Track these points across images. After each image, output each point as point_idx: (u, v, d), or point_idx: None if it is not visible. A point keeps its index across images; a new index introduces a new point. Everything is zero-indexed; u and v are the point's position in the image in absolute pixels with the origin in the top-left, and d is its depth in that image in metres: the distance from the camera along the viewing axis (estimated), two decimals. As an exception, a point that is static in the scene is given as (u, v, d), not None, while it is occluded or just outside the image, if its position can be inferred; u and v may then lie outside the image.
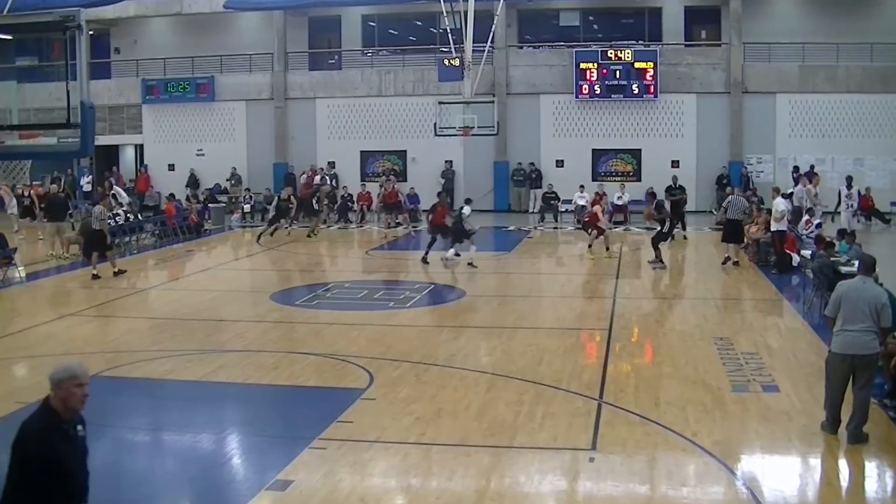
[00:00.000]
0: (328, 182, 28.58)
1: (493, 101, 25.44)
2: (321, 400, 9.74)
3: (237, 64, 32.10)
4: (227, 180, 31.32)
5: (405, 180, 29.98)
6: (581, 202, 26.25)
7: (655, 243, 18.61)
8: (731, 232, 18.92)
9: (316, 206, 25.13)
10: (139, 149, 33.98)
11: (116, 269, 18.16)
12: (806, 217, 20.42)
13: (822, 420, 8.33)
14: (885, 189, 27.44)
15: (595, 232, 20.22)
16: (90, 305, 15.39)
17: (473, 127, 23.71)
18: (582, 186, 26.93)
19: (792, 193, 23.04)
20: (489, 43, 25.56)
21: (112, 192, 25.75)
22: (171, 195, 27.13)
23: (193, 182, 31.52)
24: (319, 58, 33.13)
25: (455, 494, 7.15)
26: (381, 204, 25.60)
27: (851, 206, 22.98)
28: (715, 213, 26.61)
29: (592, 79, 29.26)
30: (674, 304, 15.24)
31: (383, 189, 25.81)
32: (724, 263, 18.62)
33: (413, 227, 25.22)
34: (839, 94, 28.26)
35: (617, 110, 29.54)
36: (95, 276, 17.71)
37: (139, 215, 25.71)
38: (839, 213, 23.79)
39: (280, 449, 8.18)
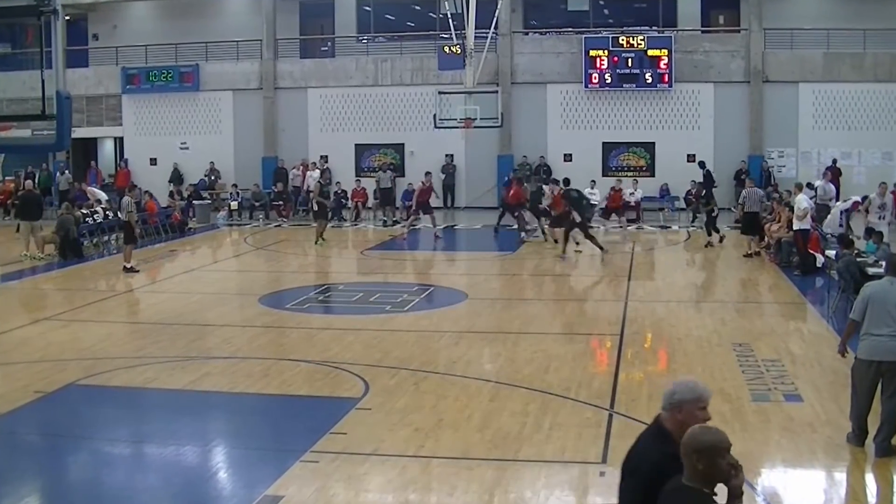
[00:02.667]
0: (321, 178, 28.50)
1: (496, 91, 25.43)
2: (313, 410, 9.74)
3: (223, 51, 32.11)
4: (206, 176, 31.31)
5: (403, 175, 30.00)
6: (592, 200, 26.21)
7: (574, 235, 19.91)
8: (750, 224, 19.91)
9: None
10: (119, 142, 33.99)
11: (130, 265, 18.54)
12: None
13: (847, 431, 8.33)
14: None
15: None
16: (67, 309, 15.39)
17: (476, 119, 23.70)
18: (593, 182, 26.93)
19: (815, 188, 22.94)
20: (492, 29, 25.57)
21: (87, 189, 25.91)
22: (148, 193, 27.14)
23: (177, 177, 31.50)
24: (311, 45, 33.13)
25: (456, 511, 7.16)
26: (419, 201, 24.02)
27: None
28: (734, 210, 26.62)
29: (603, 67, 29.25)
30: (690, 307, 15.25)
31: (423, 184, 24.24)
32: (746, 256, 19.59)
33: (411, 226, 25.14)
34: (866, 83, 28.23)
35: (629, 101, 29.53)
36: (131, 269, 18.47)
37: (118, 213, 25.65)
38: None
39: (269, 462, 8.18)
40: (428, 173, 25.08)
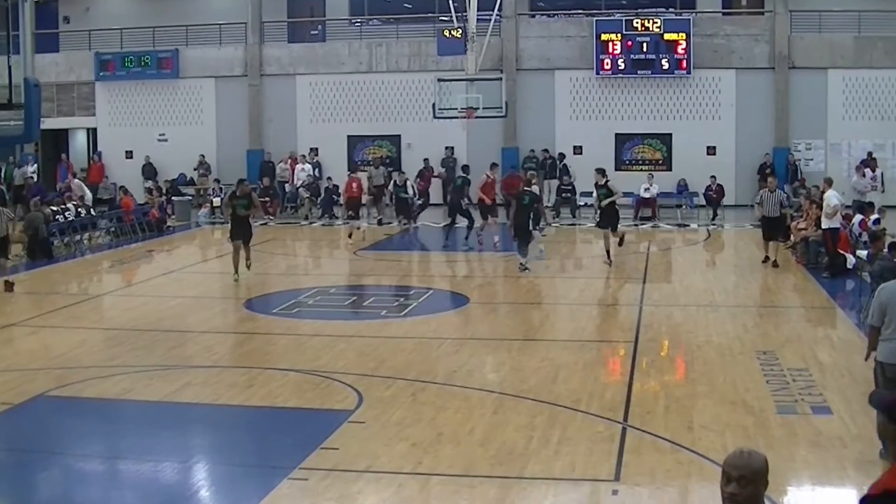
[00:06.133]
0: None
1: (500, 79, 25.45)
2: (302, 423, 9.75)
3: (205, 35, 32.09)
4: (195, 170, 31.32)
5: (400, 170, 29.96)
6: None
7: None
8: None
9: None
10: (92, 133, 33.99)
11: (7, 280, 17.17)
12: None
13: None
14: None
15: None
16: (36, 314, 15.40)
17: (478, 108, 23.69)
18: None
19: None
20: (496, 10, 25.58)
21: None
22: (123, 189, 27.15)
23: (150, 172, 31.39)
24: (300, 28, 33.13)
25: (457, 532, 7.17)
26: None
27: None
28: (757, 206, 26.65)
29: (616, 52, 29.26)
30: (709, 312, 15.25)
31: (488, 178, 22.26)
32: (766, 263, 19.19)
33: (407, 224, 25.10)
34: (901, 69, 28.28)
35: (644, 89, 29.54)
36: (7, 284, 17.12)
37: (92, 210, 25.70)
38: None
39: (255, 479, 8.20)
40: (494, 165, 23.29)
